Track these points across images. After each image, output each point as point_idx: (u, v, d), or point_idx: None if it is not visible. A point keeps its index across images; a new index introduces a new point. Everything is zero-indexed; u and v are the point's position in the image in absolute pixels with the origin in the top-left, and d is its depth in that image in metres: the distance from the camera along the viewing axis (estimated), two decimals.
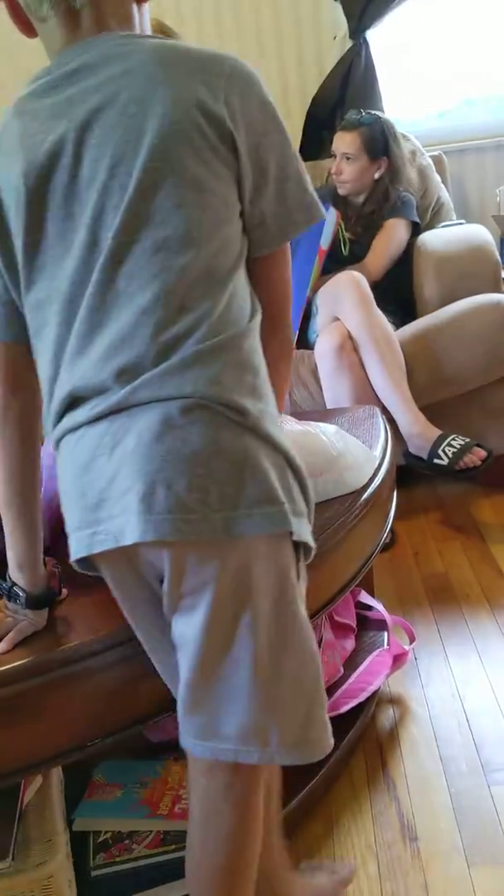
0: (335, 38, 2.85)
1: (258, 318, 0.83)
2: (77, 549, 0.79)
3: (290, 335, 0.92)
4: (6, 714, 0.83)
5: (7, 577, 0.93)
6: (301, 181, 0.84)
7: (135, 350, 0.76)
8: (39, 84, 0.81)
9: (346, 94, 2.83)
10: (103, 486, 0.75)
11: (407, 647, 1.50)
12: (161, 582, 0.78)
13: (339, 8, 2.78)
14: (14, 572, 0.92)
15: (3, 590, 0.93)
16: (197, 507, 0.73)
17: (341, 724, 1.30)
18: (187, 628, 0.77)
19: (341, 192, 2.49)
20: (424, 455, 2.04)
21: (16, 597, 0.92)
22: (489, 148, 2.99)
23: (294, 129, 2.97)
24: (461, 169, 2.99)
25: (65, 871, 0.99)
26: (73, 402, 0.79)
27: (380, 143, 2.42)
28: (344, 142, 2.43)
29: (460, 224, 2.54)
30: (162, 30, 1.83)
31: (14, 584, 0.92)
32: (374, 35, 2.82)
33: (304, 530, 0.79)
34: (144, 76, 0.78)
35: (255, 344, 0.81)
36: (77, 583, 0.99)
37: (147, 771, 1.17)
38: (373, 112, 2.49)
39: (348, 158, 2.42)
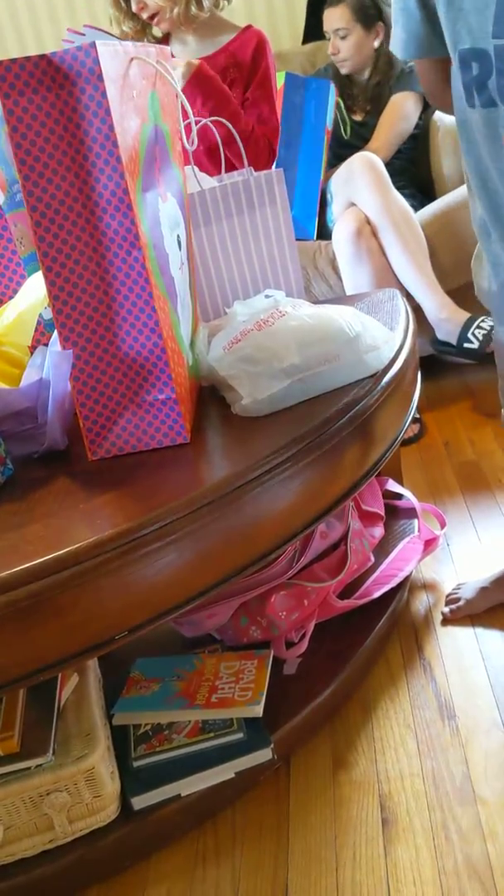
0: None
1: None
2: None
3: None
4: (30, 611, 0.83)
5: None
6: None
7: None
8: None
9: None
10: None
11: (438, 533, 1.48)
12: None
13: None
14: None
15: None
16: None
17: (374, 610, 1.30)
18: None
19: (344, 71, 2.36)
20: (454, 340, 1.97)
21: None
22: None
23: (298, 12, 2.81)
24: None
25: (106, 762, 1.01)
26: None
27: (371, 8, 2.28)
28: (334, 18, 2.30)
29: None
30: None
31: None
32: None
33: None
34: None
35: None
36: (99, 479, 0.98)
37: (183, 664, 1.18)
38: None
39: (343, 36, 2.29)
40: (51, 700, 1.05)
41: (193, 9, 1.83)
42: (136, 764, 1.05)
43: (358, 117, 2.40)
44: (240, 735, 1.07)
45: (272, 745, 1.06)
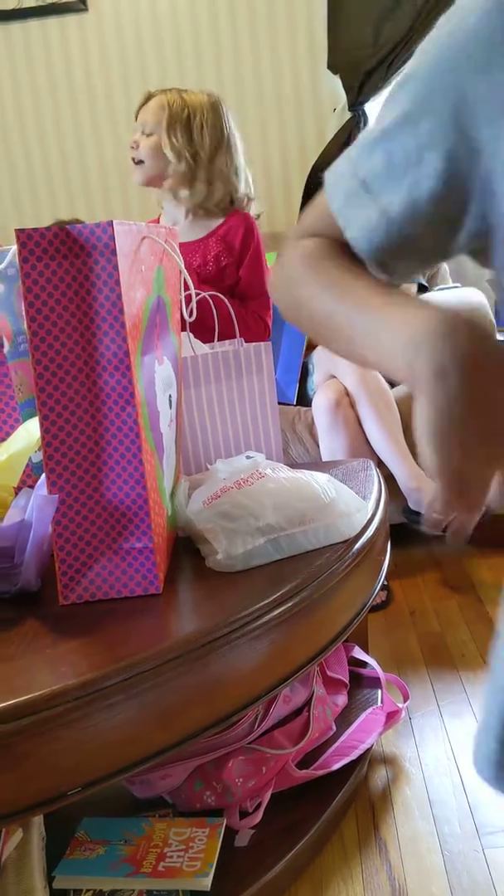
0: (335, 110, 2.96)
1: None
2: None
3: None
4: None
5: None
6: None
7: None
8: None
9: None
10: None
11: (400, 705, 1.47)
12: None
13: (338, 81, 2.89)
14: None
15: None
16: None
17: (332, 782, 1.27)
18: None
19: None
20: (423, 510, 2.03)
21: None
22: None
23: (294, 196, 3.05)
24: None
25: None
26: None
27: None
28: None
29: (456, 287, 2.59)
30: (211, 102, 1.91)
31: None
32: (372, 108, 2.92)
33: None
34: None
35: None
36: (67, 625, 0.98)
37: (131, 828, 1.14)
38: None
39: None
40: None
41: (202, 195, 1.98)
42: None
43: None
44: None
45: None
